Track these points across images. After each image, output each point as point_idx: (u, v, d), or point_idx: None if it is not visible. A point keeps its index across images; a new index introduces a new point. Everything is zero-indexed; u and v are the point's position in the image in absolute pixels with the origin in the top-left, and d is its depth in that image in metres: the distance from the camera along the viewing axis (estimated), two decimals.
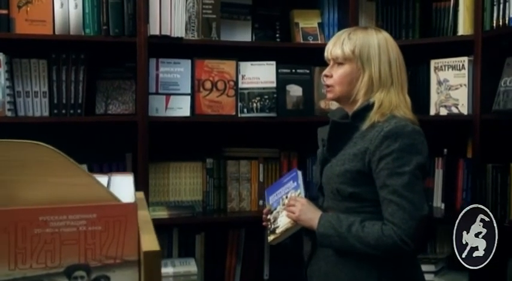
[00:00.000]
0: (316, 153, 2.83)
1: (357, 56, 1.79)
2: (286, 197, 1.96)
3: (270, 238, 1.94)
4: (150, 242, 0.79)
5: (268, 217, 2.00)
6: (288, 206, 1.88)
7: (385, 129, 1.68)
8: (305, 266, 1.96)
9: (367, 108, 1.77)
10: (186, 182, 2.80)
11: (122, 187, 1.10)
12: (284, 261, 2.88)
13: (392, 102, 1.76)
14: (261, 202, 2.85)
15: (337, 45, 1.82)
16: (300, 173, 2.00)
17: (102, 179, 1.16)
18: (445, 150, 2.78)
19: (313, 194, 2.10)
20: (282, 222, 1.90)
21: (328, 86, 1.87)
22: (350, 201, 1.75)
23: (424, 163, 1.70)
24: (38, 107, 2.55)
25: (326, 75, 1.87)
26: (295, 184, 1.96)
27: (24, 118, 2.53)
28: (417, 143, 1.69)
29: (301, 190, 1.92)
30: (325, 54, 1.88)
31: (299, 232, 1.92)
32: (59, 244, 0.83)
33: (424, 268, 2.70)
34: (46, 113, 2.56)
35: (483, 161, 2.55)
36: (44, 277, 0.82)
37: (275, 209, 1.98)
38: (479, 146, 2.56)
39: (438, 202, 2.83)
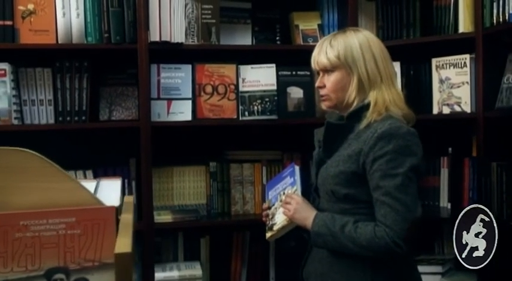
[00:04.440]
0: None
1: (342, 61, 1.79)
2: (284, 193, 1.94)
3: (268, 234, 1.94)
4: (123, 244, 0.81)
5: (267, 212, 2.00)
6: (285, 204, 1.87)
7: (379, 131, 1.68)
8: (301, 267, 1.96)
9: (363, 108, 1.77)
10: (190, 186, 2.82)
11: (110, 191, 1.12)
12: (290, 264, 2.88)
13: (386, 99, 1.77)
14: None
15: (322, 55, 1.83)
16: (297, 168, 1.97)
17: (91, 183, 1.18)
18: (450, 149, 2.76)
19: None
20: (279, 219, 1.90)
21: (322, 95, 1.87)
22: (344, 202, 1.76)
23: (418, 164, 1.68)
24: (43, 114, 2.59)
25: (319, 86, 1.87)
26: (292, 179, 1.94)
27: (31, 126, 2.57)
28: (411, 145, 1.68)
29: (297, 186, 1.90)
30: (312, 65, 1.89)
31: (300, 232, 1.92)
32: (39, 247, 0.85)
33: (431, 269, 2.70)
34: (52, 121, 2.60)
35: (488, 159, 2.52)
36: (24, 280, 0.84)
37: (273, 205, 1.98)
38: (483, 144, 2.54)
39: (444, 202, 2.79)
